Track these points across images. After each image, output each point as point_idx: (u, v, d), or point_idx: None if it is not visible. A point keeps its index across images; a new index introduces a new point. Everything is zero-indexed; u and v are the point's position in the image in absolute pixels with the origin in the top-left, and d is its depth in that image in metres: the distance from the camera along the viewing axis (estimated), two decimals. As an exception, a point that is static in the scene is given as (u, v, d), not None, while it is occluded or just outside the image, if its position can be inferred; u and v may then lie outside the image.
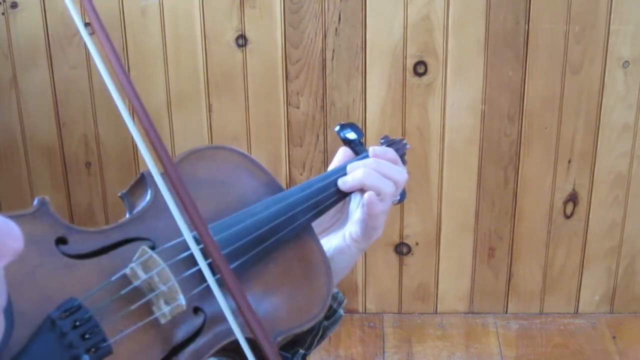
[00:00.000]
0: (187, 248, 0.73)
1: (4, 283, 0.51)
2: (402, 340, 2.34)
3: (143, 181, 0.81)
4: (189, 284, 0.75)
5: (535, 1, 2.10)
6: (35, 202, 0.72)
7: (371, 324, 2.40)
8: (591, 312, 2.43)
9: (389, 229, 2.34)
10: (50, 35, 2.17)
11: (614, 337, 2.34)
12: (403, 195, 0.98)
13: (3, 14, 2.16)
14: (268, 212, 0.84)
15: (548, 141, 2.24)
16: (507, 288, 2.41)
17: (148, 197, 0.80)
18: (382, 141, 1.02)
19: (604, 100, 2.19)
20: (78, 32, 2.16)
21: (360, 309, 2.44)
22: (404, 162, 0.99)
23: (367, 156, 0.96)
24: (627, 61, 2.14)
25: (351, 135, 1.00)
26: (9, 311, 0.58)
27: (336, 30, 2.14)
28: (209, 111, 2.24)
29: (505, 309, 2.43)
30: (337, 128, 1.02)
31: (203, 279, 0.72)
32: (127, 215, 0.80)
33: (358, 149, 1.00)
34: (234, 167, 0.88)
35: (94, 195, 2.34)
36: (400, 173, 0.94)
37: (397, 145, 1.01)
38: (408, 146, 1.05)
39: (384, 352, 2.30)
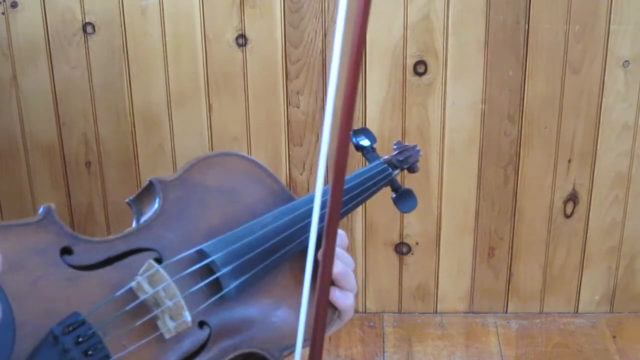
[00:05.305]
0: (194, 262, 0.72)
1: None
2: (402, 340, 2.34)
3: (151, 189, 0.80)
4: (195, 300, 0.74)
5: (535, 1, 2.09)
6: (41, 210, 0.71)
7: (371, 324, 2.40)
8: (591, 311, 2.43)
9: (389, 228, 2.34)
10: (50, 35, 2.17)
11: (614, 337, 2.34)
12: (414, 204, 0.97)
13: (3, 13, 2.15)
14: (277, 224, 0.83)
15: (548, 141, 2.23)
16: (507, 288, 2.41)
17: (156, 205, 0.79)
18: (395, 147, 1.01)
19: (604, 100, 2.19)
20: (78, 32, 2.16)
21: (360, 309, 2.44)
22: (416, 168, 0.99)
23: (379, 164, 0.95)
24: (627, 61, 2.14)
25: (365, 142, 0.98)
26: (10, 326, 0.57)
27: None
28: (209, 111, 2.23)
29: (505, 309, 2.43)
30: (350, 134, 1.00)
31: (209, 295, 0.71)
32: (134, 223, 0.79)
33: (370, 156, 0.98)
34: (244, 174, 0.87)
35: (94, 195, 2.34)
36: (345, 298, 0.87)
37: (410, 151, 1.00)
38: (421, 153, 1.04)
39: (383, 351, 2.30)
